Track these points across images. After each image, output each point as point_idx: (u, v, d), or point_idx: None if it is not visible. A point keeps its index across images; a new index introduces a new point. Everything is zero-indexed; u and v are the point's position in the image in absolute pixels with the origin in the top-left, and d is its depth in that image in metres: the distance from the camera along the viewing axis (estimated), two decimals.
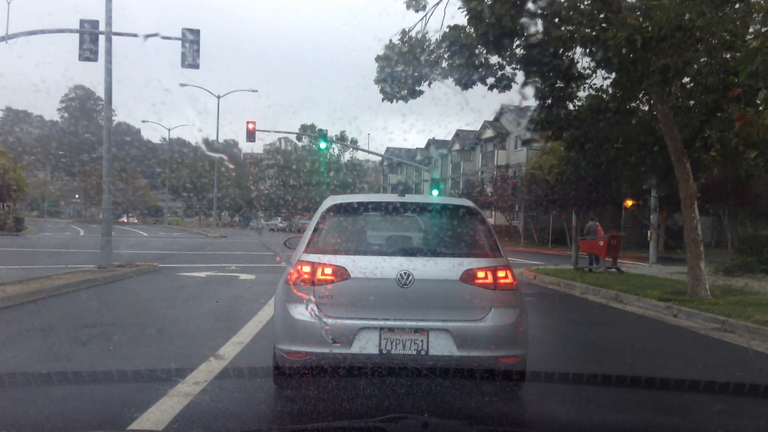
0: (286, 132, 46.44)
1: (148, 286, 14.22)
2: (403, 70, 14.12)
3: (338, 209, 5.62)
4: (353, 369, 4.99)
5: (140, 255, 22.28)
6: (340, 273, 5.05)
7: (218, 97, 47.09)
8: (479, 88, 14.28)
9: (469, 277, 5.08)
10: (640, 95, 14.56)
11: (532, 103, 15.96)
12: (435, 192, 43.96)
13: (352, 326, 4.91)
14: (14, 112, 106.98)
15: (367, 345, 4.88)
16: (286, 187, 72.86)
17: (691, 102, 14.08)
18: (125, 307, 11.40)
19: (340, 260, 5.10)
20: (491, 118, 53.39)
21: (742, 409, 5.44)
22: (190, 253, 25.92)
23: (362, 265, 5.06)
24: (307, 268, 5.08)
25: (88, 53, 18.61)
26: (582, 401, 5.53)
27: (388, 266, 5.05)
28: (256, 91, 55.94)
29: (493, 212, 49.96)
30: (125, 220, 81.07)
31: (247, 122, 42.27)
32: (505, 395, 5.33)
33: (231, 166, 68.83)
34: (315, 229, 5.37)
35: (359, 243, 5.48)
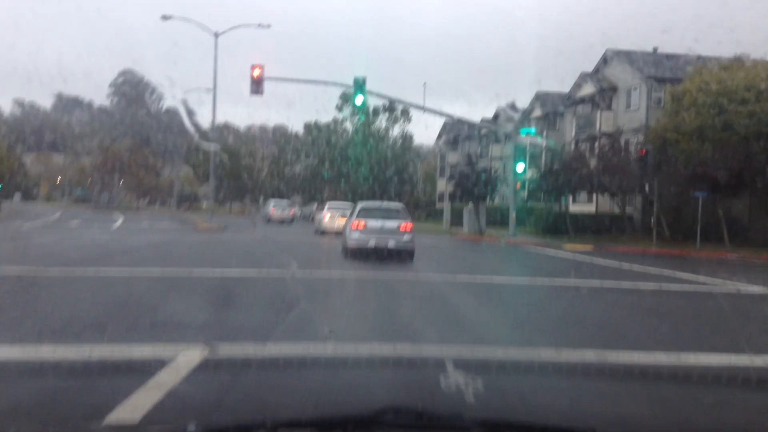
0: (303, 80, 33.28)
1: None
2: None
3: (363, 208, 20.04)
4: (369, 250, 18.41)
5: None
6: (365, 224, 18.86)
7: (216, 34, 34.14)
8: None
9: (400, 226, 18.76)
10: None
11: None
12: (521, 165, 31.26)
13: (368, 238, 18.60)
14: (64, 99, 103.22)
15: (371, 243, 18.50)
16: (328, 169, 61.52)
17: None
18: None
19: (365, 221, 18.96)
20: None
21: None
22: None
23: (370, 223, 18.89)
24: (356, 223, 18.99)
25: None
26: None
27: (378, 223, 18.85)
28: (270, 26, 35.97)
29: (596, 196, 36.22)
30: (136, 207, 71.73)
31: (252, 66, 29.71)
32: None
33: (224, 151, 59.43)
34: (358, 212, 19.51)
35: (369, 216, 19.18)
